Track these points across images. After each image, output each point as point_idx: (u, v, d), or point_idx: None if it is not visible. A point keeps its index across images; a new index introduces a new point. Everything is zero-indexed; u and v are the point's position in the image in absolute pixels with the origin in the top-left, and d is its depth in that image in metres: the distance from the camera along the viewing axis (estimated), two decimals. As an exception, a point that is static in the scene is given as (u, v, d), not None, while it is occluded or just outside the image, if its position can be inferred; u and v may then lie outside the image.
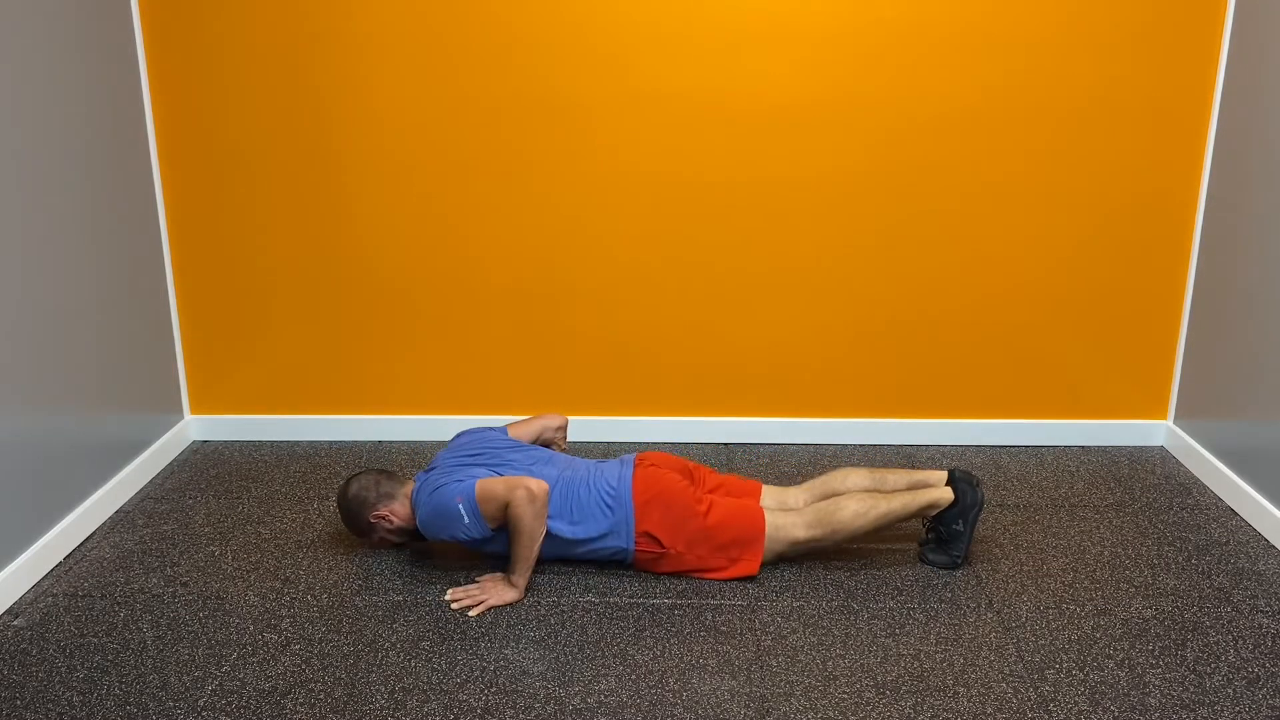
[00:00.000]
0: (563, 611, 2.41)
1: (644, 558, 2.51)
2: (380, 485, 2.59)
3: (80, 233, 2.75)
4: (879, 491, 2.60)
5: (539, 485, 2.39)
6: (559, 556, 2.55)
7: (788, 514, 2.54)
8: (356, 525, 2.61)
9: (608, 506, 2.48)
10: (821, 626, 2.35)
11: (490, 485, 2.41)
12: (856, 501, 2.53)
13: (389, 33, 3.02)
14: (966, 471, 2.59)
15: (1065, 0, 2.95)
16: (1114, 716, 2.05)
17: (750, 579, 2.52)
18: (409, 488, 2.60)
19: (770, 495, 2.64)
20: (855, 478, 2.64)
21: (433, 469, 2.58)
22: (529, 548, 2.41)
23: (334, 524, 2.83)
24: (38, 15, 2.56)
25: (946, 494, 2.55)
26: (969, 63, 3.00)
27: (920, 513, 2.56)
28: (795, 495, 2.64)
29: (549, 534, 2.46)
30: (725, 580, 2.52)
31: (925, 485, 2.61)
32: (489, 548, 2.51)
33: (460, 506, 2.41)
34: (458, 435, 2.73)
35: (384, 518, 2.57)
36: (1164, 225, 3.14)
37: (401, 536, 2.63)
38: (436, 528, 2.46)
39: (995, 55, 3.00)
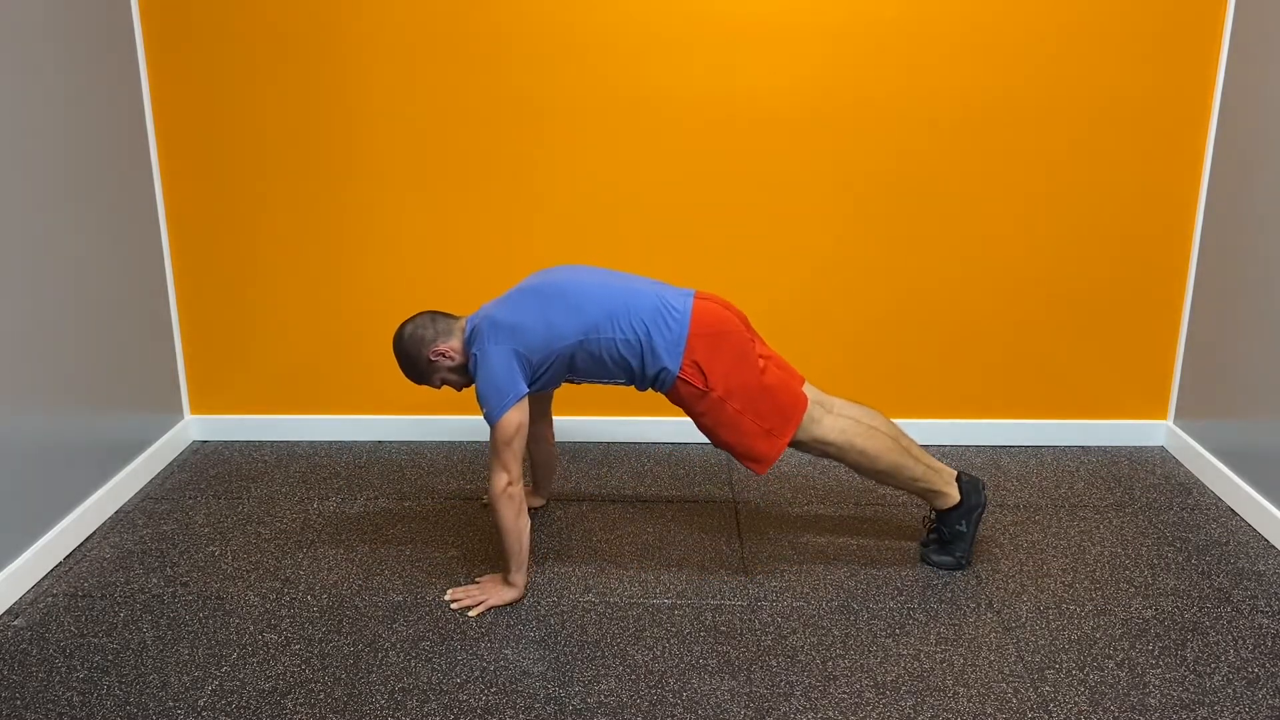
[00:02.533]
0: (563, 611, 2.41)
1: (685, 390, 2.40)
2: (436, 322, 2.48)
3: (80, 233, 2.75)
4: (903, 446, 2.54)
5: (517, 484, 2.35)
6: (603, 366, 2.42)
7: (825, 412, 2.47)
8: (416, 367, 2.49)
9: (666, 324, 2.38)
10: (821, 626, 2.35)
11: (505, 430, 2.33)
12: (886, 439, 2.48)
13: (390, 34, 3.02)
14: (972, 476, 2.59)
15: (1063, 2, 2.95)
16: (1114, 716, 2.05)
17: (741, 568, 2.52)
18: (463, 322, 2.49)
19: (811, 390, 2.54)
20: (886, 425, 2.57)
21: (499, 305, 2.46)
22: (517, 544, 2.39)
23: (334, 524, 2.83)
24: (38, 15, 2.56)
25: (953, 491, 2.55)
26: (968, 63, 3.00)
27: (923, 492, 2.54)
28: (832, 401, 2.55)
29: (598, 339, 2.37)
30: (742, 456, 2.43)
31: (938, 473, 2.57)
32: None
33: (485, 407, 2.35)
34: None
35: (444, 354, 2.45)
36: (1164, 225, 3.14)
37: (463, 377, 2.50)
38: (475, 382, 2.38)
39: (994, 56, 3.00)
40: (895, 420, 3.32)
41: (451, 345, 2.45)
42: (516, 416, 2.34)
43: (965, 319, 3.24)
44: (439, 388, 2.56)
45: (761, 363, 2.43)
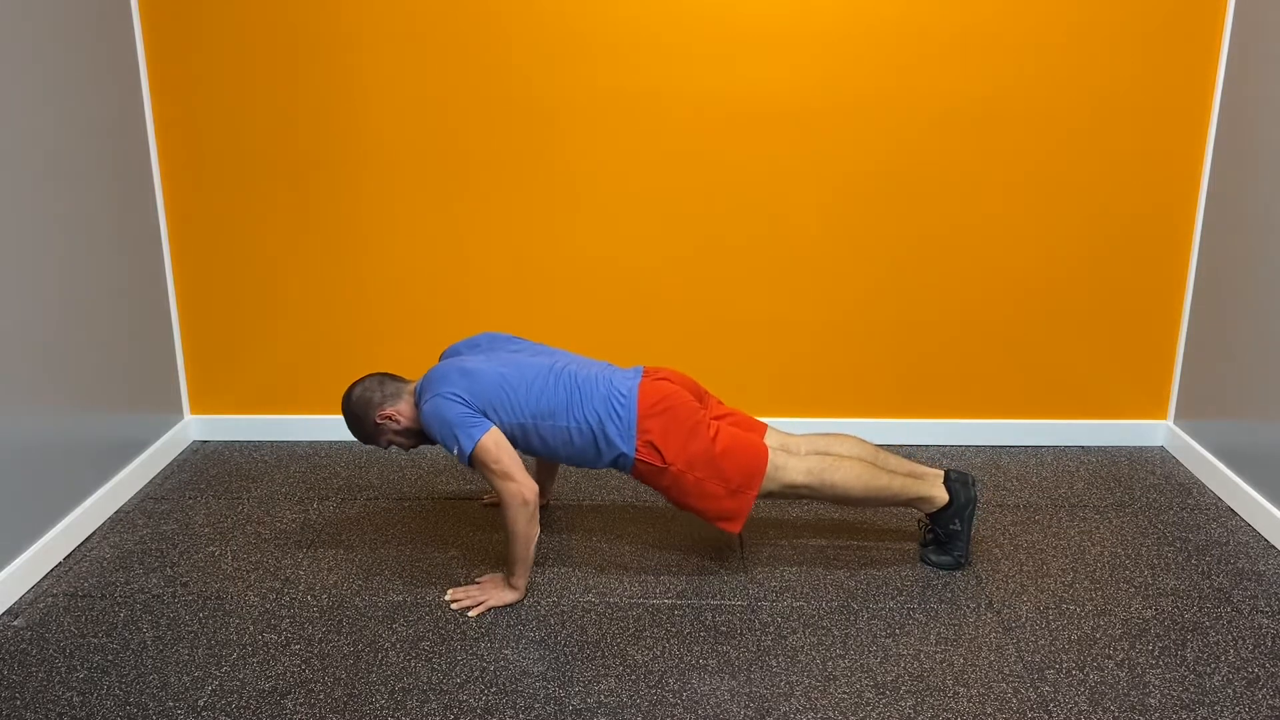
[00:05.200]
0: (563, 611, 2.41)
1: (644, 469, 2.44)
2: (384, 386, 2.53)
3: (80, 233, 2.75)
4: (878, 466, 2.56)
5: (531, 489, 2.35)
6: (556, 452, 2.47)
7: (789, 456, 2.50)
8: (363, 429, 2.54)
9: (615, 413, 2.42)
10: (821, 626, 2.35)
11: (488, 453, 2.34)
12: (857, 465, 2.50)
13: (389, 34, 3.02)
14: (961, 472, 2.59)
15: (1064, 1, 2.95)
16: (1114, 716, 2.05)
17: (743, 580, 2.52)
18: (413, 385, 2.54)
19: (773, 436, 2.58)
20: (857, 448, 2.60)
21: (442, 363, 2.51)
22: (525, 549, 2.39)
23: (334, 524, 2.83)
24: (37, 16, 2.56)
25: (941, 493, 2.54)
26: (968, 64, 3.00)
27: (911, 502, 2.54)
28: (797, 442, 2.59)
29: (553, 426, 2.41)
30: (714, 519, 2.45)
31: (922, 479, 2.59)
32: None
33: (454, 448, 2.36)
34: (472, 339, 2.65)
35: (390, 418, 2.49)
36: (1164, 225, 3.14)
37: (410, 439, 2.54)
38: (434, 435, 2.40)
39: (994, 57, 3.00)
40: (895, 420, 3.33)
41: (398, 409, 2.50)
42: (489, 439, 2.35)
43: (964, 319, 3.24)
44: (386, 448, 2.61)
45: (714, 427, 2.47)
